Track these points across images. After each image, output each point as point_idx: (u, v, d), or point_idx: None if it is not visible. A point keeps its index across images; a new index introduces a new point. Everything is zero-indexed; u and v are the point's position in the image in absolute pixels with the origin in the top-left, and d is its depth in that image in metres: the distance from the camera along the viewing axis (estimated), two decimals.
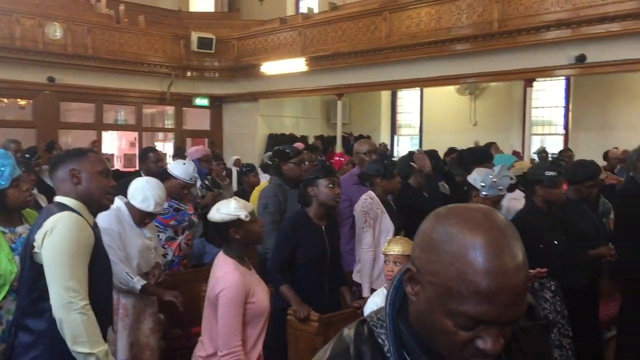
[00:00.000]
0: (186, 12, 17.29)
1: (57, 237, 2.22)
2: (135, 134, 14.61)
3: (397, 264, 2.85)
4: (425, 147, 9.08)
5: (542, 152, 10.03)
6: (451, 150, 7.61)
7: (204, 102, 14.96)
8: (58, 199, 2.38)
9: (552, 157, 9.11)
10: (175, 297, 3.35)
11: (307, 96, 14.29)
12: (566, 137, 12.16)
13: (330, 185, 3.49)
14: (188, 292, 3.94)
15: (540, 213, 3.79)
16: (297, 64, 12.79)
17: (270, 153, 7.01)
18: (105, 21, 13.79)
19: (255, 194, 5.20)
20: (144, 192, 3.34)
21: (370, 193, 4.03)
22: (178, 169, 4.47)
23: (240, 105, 14.92)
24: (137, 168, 7.41)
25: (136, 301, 3.30)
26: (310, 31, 12.77)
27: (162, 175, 4.35)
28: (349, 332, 1.07)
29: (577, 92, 11.85)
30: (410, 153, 5.01)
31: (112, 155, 14.24)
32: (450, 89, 13.12)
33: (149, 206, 3.33)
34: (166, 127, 15.80)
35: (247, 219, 2.64)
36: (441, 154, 6.29)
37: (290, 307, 3.34)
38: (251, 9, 17.38)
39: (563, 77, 11.39)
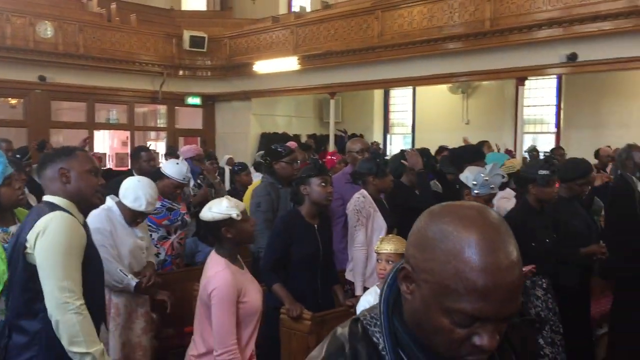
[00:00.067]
0: (178, 10, 17.24)
1: (50, 237, 2.21)
2: (128, 133, 14.56)
3: (390, 262, 2.86)
4: (417, 146, 9.11)
5: (533, 151, 10.07)
6: (442, 149, 7.63)
7: (196, 101, 14.93)
8: (47, 198, 2.36)
9: (544, 156, 9.14)
10: (168, 297, 3.34)
11: (299, 95, 14.29)
12: (558, 135, 12.21)
13: (323, 184, 3.49)
14: (180, 291, 3.93)
15: (532, 211, 3.80)
16: (290, 63, 12.78)
17: (262, 152, 7.02)
18: (96, 20, 13.74)
19: (249, 193, 5.19)
20: (135, 191, 3.33)
21: (363, 191, 4.03)
22: (171, 168, 4.45)
23: (232, 104, 14.90)
24: (129, 167, 7.39)
25: (128, 300, 3.28)
26: (302, 30, 12.76)
27: (155, 174, 4.34)
28: (342, 330, 1.06)
29: (569, 91, 11.90)
30: (402, 151, 5.02)
31: (104, 154, 14.19)
32: (443, 87, 13.14)
33: (140, 205, 3.32)
34: (158, 126, 15.76)
35: (239, 217, 2.64)
36: (433, 152, 6.31)
37: (283, 306, 3.33)
38: (243, 8, 17.35)
39: (555, 76, 11.43)
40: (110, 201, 3.35)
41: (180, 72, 14.49)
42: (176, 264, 4.48)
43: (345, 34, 11.85)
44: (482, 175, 3.73)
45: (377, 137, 15.03)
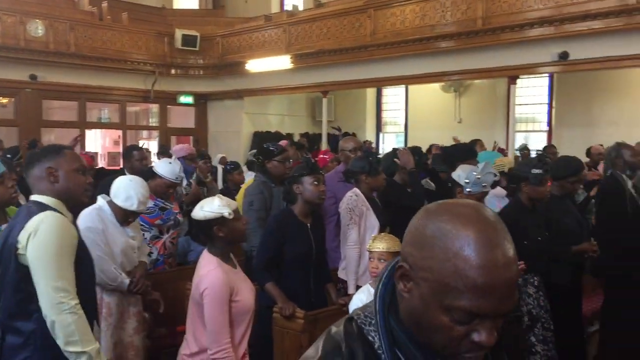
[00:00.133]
0: (170, 9, 17.17)
1: (42, 238, 2.20)
2: (119, 132, 14.50)
3: (382, 260, 2.87)
4: (410, 145, 9.11)
5: (524, 149, 10.12)
6: (432, 147, 7.64)
7: (189, 99, 14.88)
8: (35, 197, 2.34)
9: (536, 154, 9.18)
10: (159, 297, 3.34)
11: (292, 94, 14.27)
12: (550, 133, 12.25)
13: (315, 183, 3.49)
14: (173, 290, 3.93)
15: (525, 209, 3.82)
16: (282, 62, 12.76)
17: (254, 151, 7.00)
18: (88, 18, 13.66)
19: (242, 192, 5.19)
20: (127, 190, 3.31)
21: (356, 190, 4.04)
22: (164, 168, 4.44)
23: (225, 103, 14.87)
24: (121, 166, 7.36)
25: (120, 300, 3.27)
26: (295, 28, 12.74)
27: (147, 173, 4.32)
28: (337, 329, 1.06)
29: (561, 89, 11.95)
30: (394, 150, 5.03)
31: (96, 153, 14.11)
32: (435, 86, 13.17)
33: (132, 205, 3.31)
34: (150, 125, 15.70)
35: (231, 216, 2.63)
36: (425, 151, 6.32)
37: (276, 305, 3.34)
38: (236, 6, 17.31)
39: (546, 74, 11.47)
40: (101, 200, 3.34)
41: (173, 71, 14.44)
42: (168, 263, 4.47)
43: (337, 32, 11.84)
44: (475, 173, 3.75)
45: (369, 135, 15.04)
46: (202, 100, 15.12)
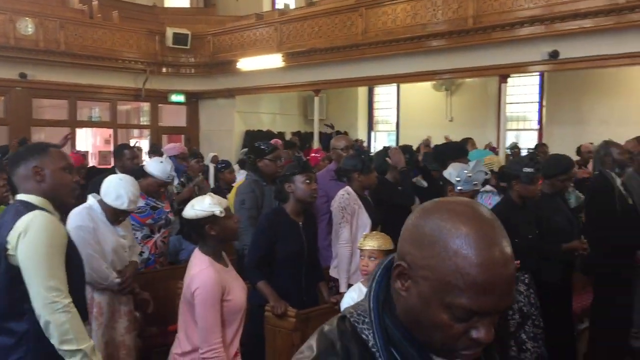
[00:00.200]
0: (161, 7, 17.10)
1: (32, 238, 2.19)
2: (110, 131, 14.43)
3: (372, 258, 2.87)
4: (402, 143, 9.13)
5: (514, 148, 10.16)
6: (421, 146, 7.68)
7: (180, 98, 14.83)
8: (22, 197, 2.32)
9: (527, 152, 9.22)
10: (148, 297, 3.33)
11: (284, 92, 14.25)
12: (540, 132, 12.32)
13: (307, 181, 3.49)
14: (164, 289, 3.92)
15: (515, 207, 3.84)
16: (274, 60, 12.74)
17: (246, 149, 7.00)
18: (78, 16, 13.57)
19: (234, 191, 5.18)
20: (117, 189, 3.30)
21: (348, 188, 4.04)
22: (155, 167, 4.42)
23: (216, 101, 14.83)
24: (112, 165, 7.33)
25: (111, 299, 3.26)
26: (286, 27, 12.72)
27: (138, 172, 4.31)
28: (330, 328, 1.06)
29: (551, 88, 12.01)
30: (386, 148, 5.05)
31: (87, 152, 14.05)
32: (427, 85, 13.20)
33: (122, 204, 3.29)
34: (142, 123, 15.63)
35: (222, 215, 2.63)
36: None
37: (268, 303, 3.33)
38: (227, 5, 17.27)
39: (537, 73, 11.53)
40: (91, 199, 3.32)
41: (164, 70, 14.38)
42: (160, 262, 4.47)
43: (329, 31, 11.84)
44: (466, 171, 3.76)
45: (361, 134, 15.05)
46: (193, 99, 15.07)
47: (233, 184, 6.29)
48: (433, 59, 10.39)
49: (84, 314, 2.46)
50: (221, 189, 6.30)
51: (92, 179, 4.71)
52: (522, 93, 12.53)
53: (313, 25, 12.17)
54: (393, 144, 12.69)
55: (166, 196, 4.78)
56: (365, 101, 15.56)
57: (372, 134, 15.59)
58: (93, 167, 11.33)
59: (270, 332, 3.36)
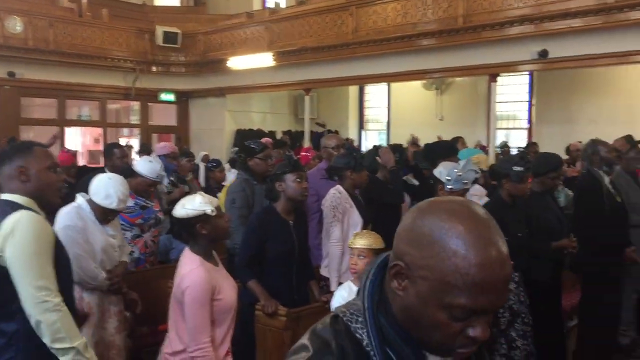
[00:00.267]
0: (151, 5, 17.01)
1: (19, 238, 2.17)
2: (100, 130, 14.35)
3: (361, 257, 2.88)
4: (392, 142, 9.16)
5: (504, 147, 10.21)
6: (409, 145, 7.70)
7: (170, 97, 14.78)
8: (6, 196, 2.30)
9: (518, 151, 9.26)
10: (137, 297, 3.31)
11: (274, 91, 14.23)
12: (530, 131, 12.39)
13: (298, 180, 3.49)
14: (154, 289, 3.91)
15: (505, 206, 3.85)
16: (264, 59, 12.72)
17: (236, 148, 6.99)
18: (67, 15, 13.48)
19: (225, 190, 5.17)
20: (106, 189, 3.27)
21: (339, 187, 4.04)
22: (144, 166, 4.40)
23: (207, 100, 14.79)
24: (102, 164, 7.29)
25: (100, 299, 3.24)
26: (277, 26, 12.71)
27: (128, 172, 4.29)
28: (323, 327, 1.06)
29: (541, 87, 12.08)
30: (376, 147, 5.06)
31: (77, 151, 13.95)
32: (417, 84, 13.23)
33: (111, 203, 3.27)
34: (131, 122, 15.56)
35: (213, 213, 2.62)
36: None
37: (258, 302, 3.33)
38: (217, 3, 17.21)
39: (527, 72, 11.59)
40: (80, 199, 3.30)
41: (154, 68, 14.33)
42: (150, 261, 4.45)
43: (320, 30, 11.84)
44: (456, 170, 3.78)
45: (352, 133, 15.07)
46: (183, 98, 15.02)
47: (224, 183, 6.28)
48: (423, 58, 10.42)
49: (73, 307, 2.44)
50: (212, 188, 6.29)
51: (80, 179, 4.68)
52: (512, 92, 12.61)
53: (304, 24, 12.16)
54: (384, 142, 12.73)
55: (155, 195, 4.76)
56: (355, 100, 15.58)
57: (363, 132, 15.62)
58: (84, 166, 11.29)
59: (260, 331, 3.36)
